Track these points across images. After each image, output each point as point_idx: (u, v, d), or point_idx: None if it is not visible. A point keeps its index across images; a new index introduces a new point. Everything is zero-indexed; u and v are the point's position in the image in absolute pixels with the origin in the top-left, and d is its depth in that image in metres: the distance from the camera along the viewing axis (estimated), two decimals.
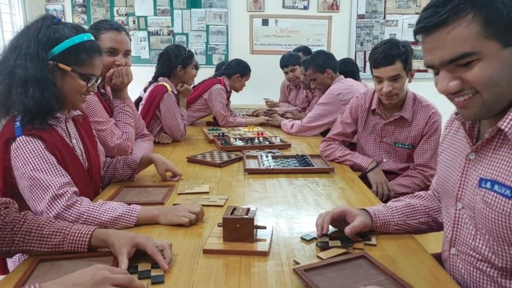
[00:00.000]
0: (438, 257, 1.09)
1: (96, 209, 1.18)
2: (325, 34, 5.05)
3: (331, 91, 2.70)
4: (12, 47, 1.22)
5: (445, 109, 1.97)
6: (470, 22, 0.78)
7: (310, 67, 2.87)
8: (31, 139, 1.19)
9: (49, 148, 1.22)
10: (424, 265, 1.01)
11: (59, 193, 1.16)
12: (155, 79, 2.58)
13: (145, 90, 2.61)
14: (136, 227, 1.21)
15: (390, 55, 1.77)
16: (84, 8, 5.04)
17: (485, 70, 0.80)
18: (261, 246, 1.07)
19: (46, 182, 1.16)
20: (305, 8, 5.00)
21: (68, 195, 1.17)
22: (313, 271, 0.94)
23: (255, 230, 1.10)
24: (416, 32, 0.85)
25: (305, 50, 4.00)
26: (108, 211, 1.19)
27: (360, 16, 4.98)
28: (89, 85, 1.29)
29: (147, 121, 2.38)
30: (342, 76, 2.86)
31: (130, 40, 1.91)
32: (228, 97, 3.21)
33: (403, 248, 1.09)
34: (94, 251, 1.03)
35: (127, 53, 1.87)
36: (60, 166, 1.22)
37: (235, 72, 3.20)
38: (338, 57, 3.18)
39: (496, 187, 0.86)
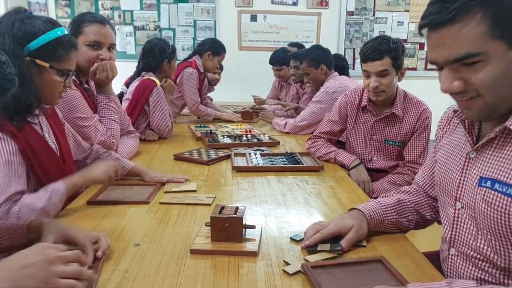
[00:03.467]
0: (428, 255, 1.08)
1: (30, 198, 1.16)
2: (314, 30, 5.04)
3: (325, 88, 2.67)
4: None
5: (433, 106, 1.98)
6: (478, 22, 0.75)
7: (305, 61, 2.83)
8: (3, 136, 1.15)
9: (20, 146, 1.18)
10: (417, 265, 0.99)
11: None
12: (138, 74, 2.52)
13: (127, 85, 2.55)
14: (126, 218, 1.16)
15: (379, 49, 1.76)
16: (68, 1, 4.93)
17: (489, 72, 0.77)
18: (250, 246, 1.04)
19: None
20: (294, 4, 4.97)
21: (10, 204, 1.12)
22: (322, 269, 0.93)
23: (244, 229, 1.07)
24: (421, 27, 0.82)
25: (298, 46, 3.99)
26: (39, 197, 1.18)
27: (350, 13, 4.98)
28: (66, 81, 1.28)
29: (135, 117, 2.30)
30: (336, 73, 2.83)
31: (115, 33, 1.85)
32: (202, 80, 3.15)
33: (395, 248, 1.08)
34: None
35: (111, 46, 1.81)
36: (14, 173, 1.16)
37: (207, 49, 3.13)
38: None
39: (497, 186, 0.84)
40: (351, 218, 1.10)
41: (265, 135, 2.40)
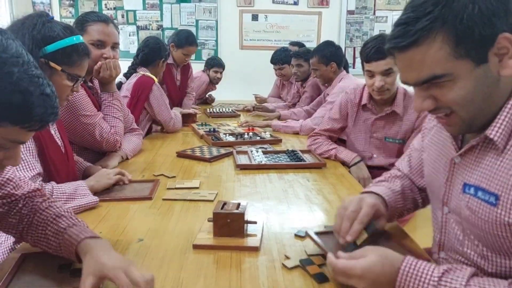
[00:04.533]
0: (428, 252, 1.09)
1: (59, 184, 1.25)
2: (315, 29, 5.04)
3: (339, 89, 2.60)
4: None
5: None
6: (441, 43, 0.74)
7: (315, 57, 2.78)
8: None
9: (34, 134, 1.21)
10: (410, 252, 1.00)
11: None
12: (134, 69, 2.54)
13: (125, 75, 2.57)
14: (130, 214, 1.18)
15: (382, 49, 1.75)
16: (71, 1, 4.95)
17: (458, 91, 0.77)
18: (252, 242, 1.05)
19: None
20: (295, 3, 4.98)
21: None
22: (325, 235, 0.97)
23: (245, 225, 1.08)
24: (387, 50, 0.82)
25: (299, 45, 4.00)
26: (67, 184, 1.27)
27: (350, 12, 4.98)
28: (75, 85, 1.32)
29: (136, 115, 2.32)
30: (345, 72, 2.81)
31: (119, 32, 1.87)
32: (180, 73, 3.16)
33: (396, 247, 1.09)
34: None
35: (115, 45, 1.83)
36: (35, 157, 1.23)
37: (171, 41, 3.12)
38: None
39: (479, 194, 0.83)
40: (372, 198, 1.03)
41: (267, 133, 2.41)
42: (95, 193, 1.36)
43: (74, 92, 1.37)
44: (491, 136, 0.80)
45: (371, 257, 0.79)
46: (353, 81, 2.69)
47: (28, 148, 1.21)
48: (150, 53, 2.53)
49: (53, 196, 1.18)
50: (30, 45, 1.21)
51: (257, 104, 3.64)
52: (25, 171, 1.19)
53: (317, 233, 1.04)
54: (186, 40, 3.12)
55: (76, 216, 0.99)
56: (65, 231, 0.91)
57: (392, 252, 0.81)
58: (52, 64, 1.26)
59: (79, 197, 1.27)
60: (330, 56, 2.73)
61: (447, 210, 0.96)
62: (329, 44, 2.86)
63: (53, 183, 1.26)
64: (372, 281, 0.78)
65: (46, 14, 1.30)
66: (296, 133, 2.59)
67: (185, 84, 3.34)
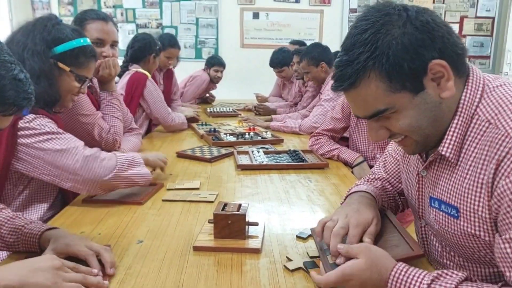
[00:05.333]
0: None
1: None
2: (316, 28, 5.03)
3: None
4: (16, 41, 1.26)
5: None
6: (376, 81, 0.78)
7: (305, 60, 2.81)
8: (39, 115, 1.25)
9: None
10: (421, 262, 0.99)
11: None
12: (126, 66, 2.52)
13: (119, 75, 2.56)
14: (129, 215, 1.17)
15: None
16: (70, 0, 4.93)
17: (403, 120, 0.81)
18: (253, 243, 1.04)
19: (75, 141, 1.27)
20: (297, 1, 4.96)
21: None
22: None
23: (246, 226, 1.07)
24: (334, 89, 0.85)
25: (300, 44, 3.99)
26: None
27: (352, 10, 4.97)
28: (82, 86, 1.36)
29: (132, 112, 2.30)
30: None
31: (117, 30, 1.86)
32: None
33: None
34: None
35: (114, 44, 1.82)
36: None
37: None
38: None
39: (443, 207, 0.86)
40: (368, 208, 0.98)
41: (268, 133, 2.40)
42: (89, 197, 1.37)
43: (80, 94, 1.39)
44: (443, 153, 0.84)
45: (361, 261, 0.78)
46: None
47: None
48: (139, 49, 2.52)
49: (119, 161, 1.29)
50: (41, 46, 1.25)
51: (258, 103, 3.63)
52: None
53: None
54: (168, 42, 3.11)
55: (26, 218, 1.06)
56: (23, 228, 1.00)
57: (383, 256, 0.80)
58: (61, 64, 1.29)
59: (137, 164, 1.35)
60: (319, 56, 2.76)
61: (424, 223, 0.98)
62: (316, 45, 2.90)
63: (117, 152, 1.39)
64: (359, 284, 0.78)
65: (55, 16, 1.34)
66: (296, 133, 2.59)
67: (169, 89, 3.30)
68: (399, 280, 0.75)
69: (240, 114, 3.23)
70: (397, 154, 1.13)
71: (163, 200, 1.36)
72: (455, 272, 0.75)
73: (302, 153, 1.91)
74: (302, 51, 3.15)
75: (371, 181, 1.16)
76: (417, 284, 0.74)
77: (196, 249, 1.02)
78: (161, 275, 0.91)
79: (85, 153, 1.25)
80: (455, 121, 0.82)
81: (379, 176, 1.19)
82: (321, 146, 2.01)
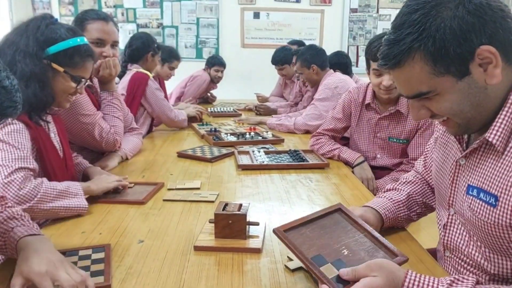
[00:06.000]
0: (432, 253, 1.08)
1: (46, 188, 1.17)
2: (317, 28, 5.02)
3: (327, 85, 2.66)
4: (9, 42, 1.24)
5: None
6: (421, 63, 0.78)
7: (298, 61, 2.87)
8: (18, 123, 1.21)
9: (32, 136, 1.24)
10: (422, 262, 0.99)
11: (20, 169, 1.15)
12: (125, 66, 2.52)
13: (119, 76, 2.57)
14: (130, 215, 1.17)
15: None
16: None
17: (444, 104, 0.81)
18: (254, 243, 1.04)
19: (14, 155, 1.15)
20: (297, 1, 4.96)
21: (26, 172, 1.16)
22: (292, 230, 0.91)
23: (247, 226, 1.07)
24: (379, 66, 0.86)
25: (299, 44, 3.98)
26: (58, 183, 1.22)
27: (353, 10, 4.96)
28: (78, 87, 1.32)
29: (134, 112, 2.30)
30: (331, 71, 2.84)
31: (118, 30, 1.86)
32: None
33: (401, 247, 1.07)
34: None
35: (114, 44, 1.82)
36: (32, 155, 1.22)
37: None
38: (330, 52, 3.15)
39: (482, 195, 0.85)
40: (368, 215, 1.05)
41: (269, 133, 2.40)
42: (91, 196, 1.33)
43: (78, 94, 1.36)
44: (490, 139, 0.82)
45: (378, 279, 0.74)
46: (338, 76, 2.74)
47: (23, 144, 1.19)
48: (136, 48, 2.52)
49: (42, 191, 1.14)
50: (34, 47, 1.22)
51: (259, 103, 3.63)
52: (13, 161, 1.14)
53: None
54: (175, 55, 3.20)
55: (29, 219, 0.98)
56: (12, 230, 0.92)
57: (395, 268, 0.78)
58: (54, 65, 1.26)
59: (70, 196, 1.21)
60: (311, 59, 2.79)
61: (453, 211, 0.97)
62: (309, 48, 2.93)
63: (45, 178, 1.21)
64: None
65: (50, 16, 1.31)
66: (291, 131, 2.60)
67: (165, 96, 3.30)
68: None
69: (241, 114, 3.23)
70: (438, 141, 1.09)
71: (164, 200, 1.36)
72: (465, 277, 0.75)
73: (303, 153, 1.91)
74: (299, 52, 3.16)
75: (401, 187, 1.19)
76: None
77: (197, 248, 1.02)
78: (162, 275, 0.91)
79: (4, 180, 1.10)
80: (506, 107, 0.81)
81: (413, 178, 1.20)
82: (321, 146, 2.01)
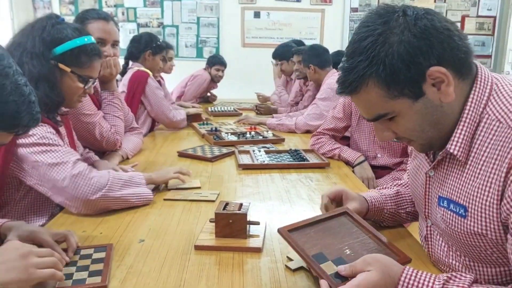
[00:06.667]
0: None
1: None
2: (317, 27, 5.02)
3: (329, 85, 2.64)
4: (16, 44, 1.24)
5: None
6: (375, 88, 0.79)
7: (300, 60, 2.91)
8: (42, 124, 1.20)
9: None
10: (423, 263, 0.99)
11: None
12: (126, 63, 2.54)
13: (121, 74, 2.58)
14: (131, 214, 1.17)
15: None
16: None
17: (405, 124, 0.83)
18: (254, 242, 1.04)
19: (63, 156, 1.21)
20: (298, 0, 4.96)
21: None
22: (296, 231, 0.92)
23: (248, 225, 1.07)
24: (338, 93, 0.88)
25: (298, 44, 3.98)
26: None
27: (354, 9, 4.96)
28: (86, 87, 1.32)
29: (134, 111, 2.30)
30: (334, 70, 2.83)
31: (119, 30, 1.86)
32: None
33: (402, 246, 1.07)
34: None
35: (115, 43, 1.82)
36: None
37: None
38: (330, 51, 3.15)
39: (452, 206, 0.86)
40: (354, 194, 1.10)
41: (269, 132, 2.40)
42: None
43: (87, 94, 1.36)
44: (451, 151, 0.84)
45: (373, 273, 0.75)
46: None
47: (60, 141, 1.24)
48: (133, 47, 2.55)
49: (110, 180, 1.22)
50: (40, 48, 1.21)
51: (260, 103, 3.63)
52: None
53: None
54: (165, 44, 3.12)
55: None
56: None
57: (391, 262, 0.79)
58: (61, 65, 1.25)
59: (134, 185, 1.28)
60: (309, 58, 2.81)
61: (430, 223, 0.98)
62: (311, 48, 2.94)
63: (111, 170, 1.31)
64: None
65: (56, 16, 1.30)
66: (292, 131, 2.60)
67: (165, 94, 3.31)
68: (409, 286, 0.74)
69: (242, 114, 3.23)
70: (411, 154, 1.12)
71: (165, 200, 1.36)
72: (463, 274, 0.75)
73: (303, 153, 1.91)
74: (303, 49, 3.16)
75: (392, 186, 1.21)
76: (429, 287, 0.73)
77: (198, 248, 1.03)
78: (163, 274, 0.91)
79: (72, 172, 1.18)
80: (463, 119, 0.82)
81: (403, 182, 1.21)
82: (322, 146, 2.01)
